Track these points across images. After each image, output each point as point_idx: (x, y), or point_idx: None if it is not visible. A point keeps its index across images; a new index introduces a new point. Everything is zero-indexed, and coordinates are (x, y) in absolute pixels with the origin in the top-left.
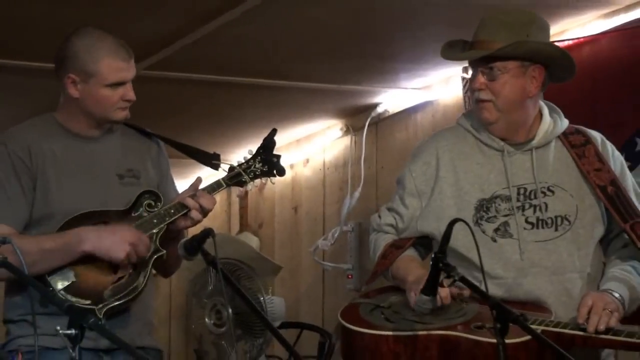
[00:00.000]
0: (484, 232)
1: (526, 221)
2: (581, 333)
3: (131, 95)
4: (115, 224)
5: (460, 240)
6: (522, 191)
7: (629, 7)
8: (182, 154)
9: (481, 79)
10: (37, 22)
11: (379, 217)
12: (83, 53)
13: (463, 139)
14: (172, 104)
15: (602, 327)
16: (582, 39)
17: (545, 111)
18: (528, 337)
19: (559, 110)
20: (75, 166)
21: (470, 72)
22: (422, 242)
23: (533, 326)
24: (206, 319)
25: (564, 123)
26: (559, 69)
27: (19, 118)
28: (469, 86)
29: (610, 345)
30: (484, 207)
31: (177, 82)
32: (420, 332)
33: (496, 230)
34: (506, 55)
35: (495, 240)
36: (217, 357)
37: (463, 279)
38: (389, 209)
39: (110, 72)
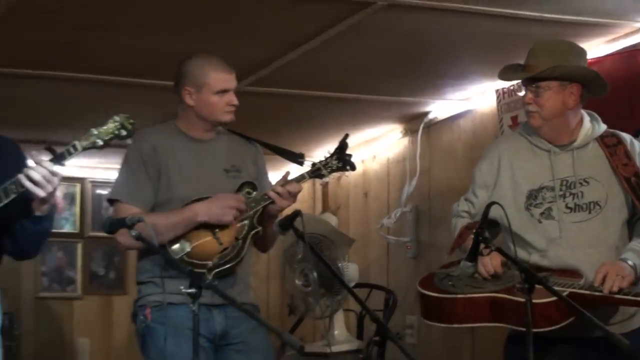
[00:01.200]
0: (532, 215)
1: (566, 206)
2: (599, 294)
3: (235, 100)
4: None
5: (515, 222)
6: (564, 182)
7: (626, 35)
8: (274, 153)
9: (530, 95)
10: (161, 50)
11: (458, 205)
12: (195, 70)
13: (519, 142)
14: (268, 113)
15: (615, 289)
16: (590, 60)
17: (586, 118)
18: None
19: (598, 118)
20: (191, 162)
21: (523, 90)
22: (490, 224)
23: (562, 289)
24: (296, 281)
25: (602, 127)
26: (594, 87)
27: (148, 123)
28: (522, 100)
29: (622, 303)
30: (533, 195)
31: (272, 96)
32: (475, 295)
33: (542, 214)
34: (547, 76)
35: (540, 222)
36: (305, 310)
37: (498, 249)
38: (465, 199)
39: (217, 82)
